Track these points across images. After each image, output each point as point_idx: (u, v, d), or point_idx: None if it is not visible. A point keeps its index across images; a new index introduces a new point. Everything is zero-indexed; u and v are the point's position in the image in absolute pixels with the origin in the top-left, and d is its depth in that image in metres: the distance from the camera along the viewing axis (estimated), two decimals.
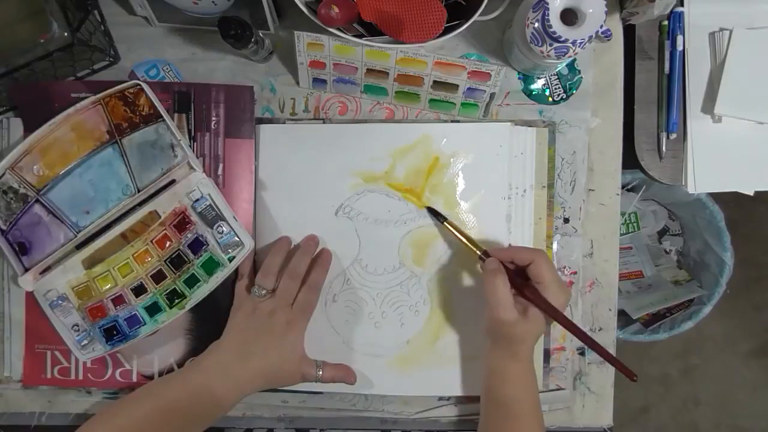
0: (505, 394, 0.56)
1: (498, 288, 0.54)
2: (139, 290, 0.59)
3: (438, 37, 0.55)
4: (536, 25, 0.52)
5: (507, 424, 0.55)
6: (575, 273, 0.64)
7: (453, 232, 0.60)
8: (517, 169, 0.62)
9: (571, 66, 0.63)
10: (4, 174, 0.58)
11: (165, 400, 0.54)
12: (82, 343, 0.59)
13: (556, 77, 0.63)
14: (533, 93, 0.63)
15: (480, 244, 0.59)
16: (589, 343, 0.54)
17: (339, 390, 0.62)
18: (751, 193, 0.67)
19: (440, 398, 0.64)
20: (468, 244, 0.59)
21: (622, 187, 0.92)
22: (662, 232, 1.31)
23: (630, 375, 0.52)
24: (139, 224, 0.59)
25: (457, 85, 0.59)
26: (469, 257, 0.62)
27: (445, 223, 0.60)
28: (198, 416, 0.55)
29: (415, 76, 0.59)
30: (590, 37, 0.52)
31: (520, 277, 0.56)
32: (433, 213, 0.61)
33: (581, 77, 0.63)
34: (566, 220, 0.64)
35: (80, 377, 0.62)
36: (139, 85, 0.59)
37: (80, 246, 0.59)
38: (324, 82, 0.62)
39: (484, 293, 0.55)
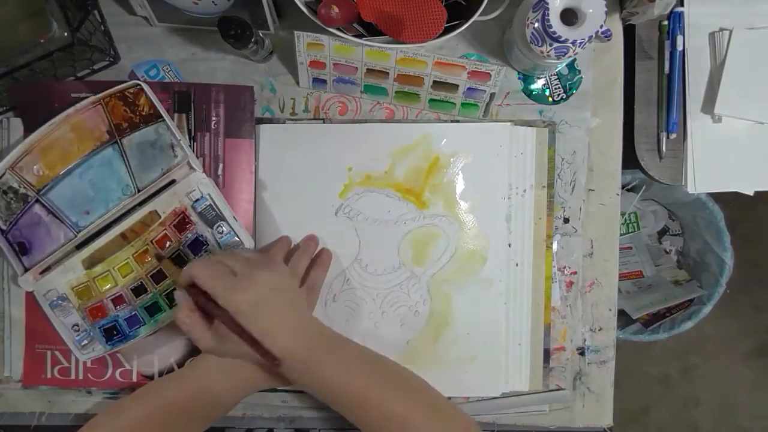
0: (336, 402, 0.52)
1: (185, 323, 0.50)
2: (139, 290, 0.59)
3: (438, 37, 0.55)
4: (536, 25, 0.52)
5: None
6: (575, 273, 0.64)
7: None
8: (517, 169, 0.62)
9: (571, 66, 0.63)
10: (4, 174, 0.58)
11: (165, 400, 0.54)
12: (82, 343, 0.59)
13: (556, 77, 0.63)
14: (533, 93, 0.63)
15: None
16: (233, 328, 0.48)
17: None
18: (751, 193, 0.66)
19: None
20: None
21: (622, 187, 0.92)
22: (662, 232, 1.31)
23: (271, 360, 0.48)
24: (139, 224, 0.59)
25: (457, 85, 0.59)
26: (468, 258, 0.62)
27: None
28: (199, 416, 0.55)
29: (415, 76, 0.59)
30: (590, 37, 0.52)
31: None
32: None
33: (581, 77, 0.63)
34: (566, 220, 0.64)
35: (80, 377, 0.62)
36: (139, 85, 0.59)
37: (80, 246, 0.59)
38: (324, 82, 0.62)
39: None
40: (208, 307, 0.49)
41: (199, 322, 0.50)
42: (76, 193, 0.59)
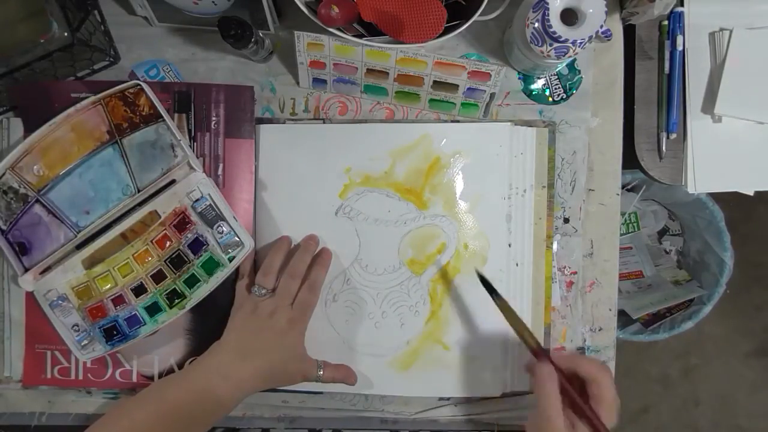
0: None
1: (548, 398, 0.50)
2: (139, 290, 0.59)
3: (438, 37, 0.55)
4: (536, 25, 0.52)
5: None
6: (575, 273, 0.64)
7: (506, 318, 0.55)
8: (517, 169, 0.62)
9: (571, 66, 0.63)
10: (4, 174, 0.58)
11: (167, 401, 0.54)
12: (82, 343, 0.59)
13: (556, 77, 0.63)
14: (533, 93, 0.63)
15: (534, 337, 0.54)
16: None
17: (339, 390, 0.62)
18: (751, 193, 0.67)
19: (440, 398, 0.64)
20: (522, 335, 0.54)
21: (622, 187, 0.92)
22: (662, 232, 1.32)
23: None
24: (139, 224, 0.59)
25: (457, 85, 0.59)
26: (470, 260, 0.62)
27: (497, 301, 0.56)
28: (200, 417, 0.55)
29: (415, 76, 0.59)
30: (590, 37, 0.52)
31: (571, 382, 0.52)
32: (486, 286, 0.57)
33: (581, 77, 0.63)
34: (566, 220, 0.64)
35: (80, 377, 0.62)
36: (139, 85, 0.59)
37: (80, 246, 0.59)
38: (324, 82, 0.62)
39: (536, 393, 0.52)
40: (576, 400, 0.51)
41: (560, 402, 0.51)
42: (76, 193, 0.59)
